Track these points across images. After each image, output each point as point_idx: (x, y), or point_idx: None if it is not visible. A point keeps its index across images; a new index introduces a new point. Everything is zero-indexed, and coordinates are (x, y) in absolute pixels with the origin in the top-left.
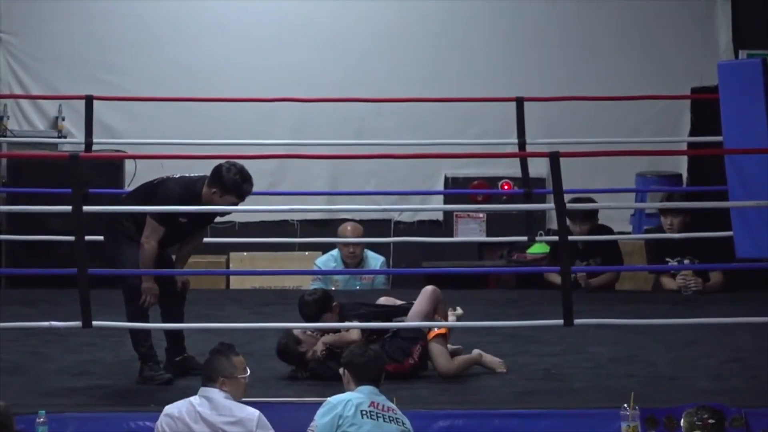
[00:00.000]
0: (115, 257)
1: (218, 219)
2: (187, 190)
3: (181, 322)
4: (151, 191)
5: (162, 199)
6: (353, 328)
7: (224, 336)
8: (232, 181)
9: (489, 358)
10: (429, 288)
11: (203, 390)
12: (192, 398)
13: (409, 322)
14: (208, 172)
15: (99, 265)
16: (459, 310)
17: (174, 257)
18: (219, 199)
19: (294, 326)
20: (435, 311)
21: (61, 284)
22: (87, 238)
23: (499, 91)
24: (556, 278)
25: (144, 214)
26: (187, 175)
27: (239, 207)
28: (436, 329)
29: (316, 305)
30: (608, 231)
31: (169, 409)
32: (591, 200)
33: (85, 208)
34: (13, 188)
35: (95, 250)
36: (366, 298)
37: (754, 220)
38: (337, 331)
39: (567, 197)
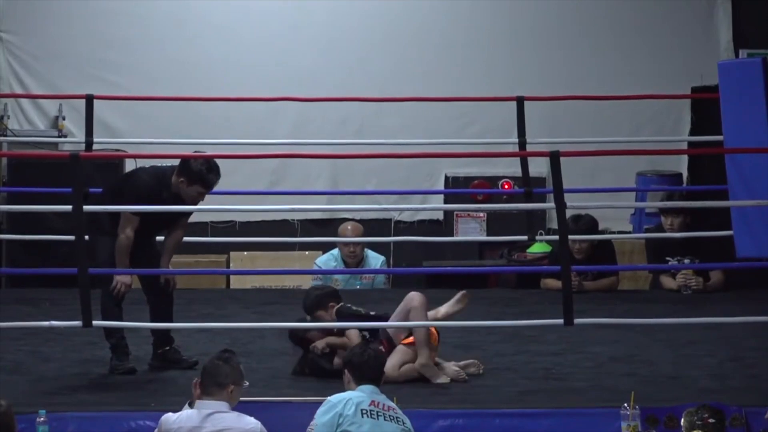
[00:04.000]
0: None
1: (219, 218)
2: (157, 179)
3: (169, 316)
4: (123, 182)
5: (132, 189)
6: (352, 327)
7: (224, 335)
8: (198, 170)
9: (450, 372)
10: (412, 296)
11: (203, 403)
12: (192, 411)
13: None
14: None
15: (99, 265)
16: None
17: (164, 247)
18: (186, 188)
19: (295, 326)
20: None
21: (61, 283)
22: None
23: (500, 91)
24: (553, 283)
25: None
26: (158, 165)
27: (239, 207)
28: (410, 337)
29: (316, 299)
30: (609, 249)
31: (166, 424)
32: (592, 218)
33: (86, 207)
34: (14, 188)
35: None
36: (364, 299)
37: (755, 219)
38: (341, 334)
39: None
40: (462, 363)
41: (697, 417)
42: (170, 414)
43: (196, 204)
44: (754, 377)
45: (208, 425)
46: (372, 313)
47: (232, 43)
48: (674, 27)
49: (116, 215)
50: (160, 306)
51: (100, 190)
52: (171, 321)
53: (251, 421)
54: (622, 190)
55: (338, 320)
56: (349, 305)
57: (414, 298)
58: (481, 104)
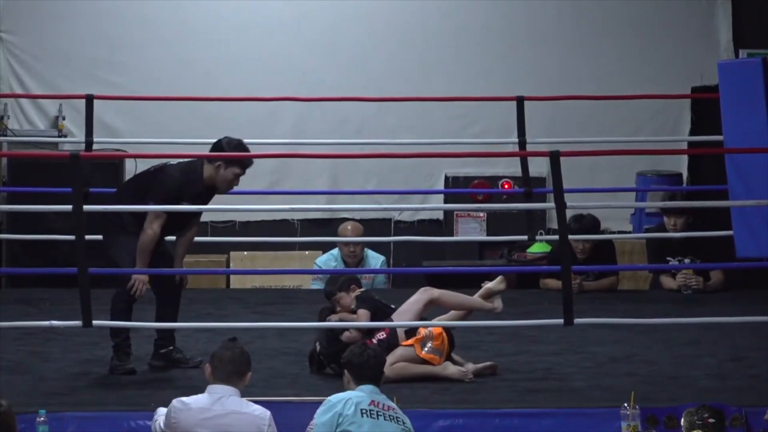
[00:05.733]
0: (110, 249)
1: (219, 218)
2: (187, 174)
3: (175, 316)
4: (150, 178)
5: (162, 185)
6: (358, 327)
7: (224, 335)
8: (235, 149)
9: (452, 370)
10: (424, 289)
11: (215, 387)
12: (203, 395)
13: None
14: None
15: (99, 265)
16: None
17: (177, 246)
18: (223, 171)
19: (296, 326)
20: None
21: (61, 283)
22: (87, 237)
23: (500, 90)
24: (553, 283)
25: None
26: (183, 161)
27: (239, 207)
28: (412, 339)
29: (339, 283)
30: (610, 249)
31: (178, 404)
32: (594, 218)
33: (86, 207)
34: (14, 187)
35: (95, 249)
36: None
37: (755, 219)
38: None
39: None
40: (480, 365)
41: (697, 417)
42: (179, 399)
43: (230, 189)
44: (754, 377)
45: (218, 408)
46: (393, 306)
47: (232, 43)
48: (674, 27)
49: (137, 214)
50: (167, 306)
51: (99, 190)
52: (176, 321)
53: (259, 408)
54: (622, 190)
55: (357, 303)
56: (370, 292)
57: (428, 289)
58: (481, 104)
